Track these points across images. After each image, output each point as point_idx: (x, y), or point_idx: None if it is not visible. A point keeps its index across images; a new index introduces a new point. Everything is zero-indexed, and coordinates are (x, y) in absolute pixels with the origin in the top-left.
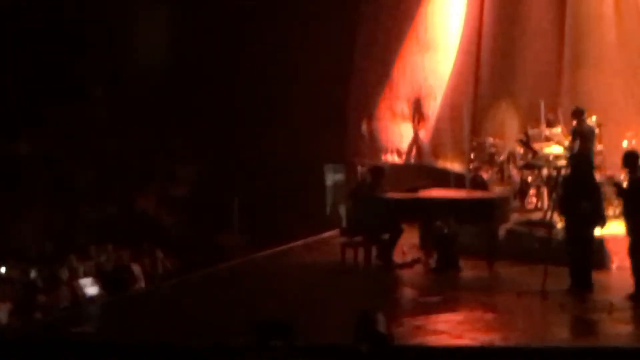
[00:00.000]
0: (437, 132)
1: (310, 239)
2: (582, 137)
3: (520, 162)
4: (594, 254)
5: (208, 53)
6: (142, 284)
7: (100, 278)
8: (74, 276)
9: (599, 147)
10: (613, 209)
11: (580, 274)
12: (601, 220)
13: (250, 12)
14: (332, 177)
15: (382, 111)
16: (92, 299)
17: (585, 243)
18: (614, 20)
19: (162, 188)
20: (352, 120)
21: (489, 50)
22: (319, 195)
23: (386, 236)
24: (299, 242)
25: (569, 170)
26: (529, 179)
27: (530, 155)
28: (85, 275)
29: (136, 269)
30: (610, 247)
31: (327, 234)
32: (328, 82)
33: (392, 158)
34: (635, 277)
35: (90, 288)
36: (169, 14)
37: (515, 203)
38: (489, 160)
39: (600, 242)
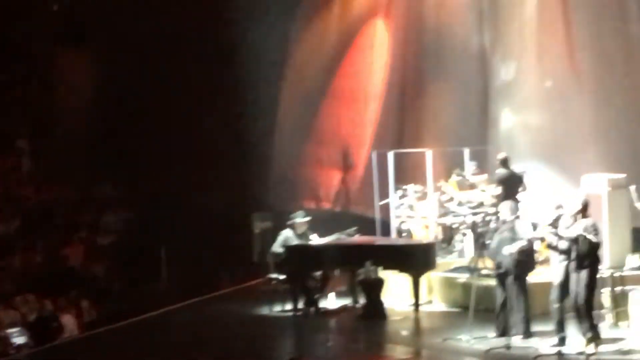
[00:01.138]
0: (363, 180)
1: (238, 287)
2: (508, 184)
3: (444, 209)
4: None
5: (133, 102)
6: (75, 334)
7: (26, 328)
8: (0, 327)
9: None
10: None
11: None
12: (531, 267)
13: (177, 60)
14: (260, 225)
15: (309, 159)
16: (19, 349)
17: (519, 289)
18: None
19: (88, 237)
20: (279, 168)
21: (413, 98)
22: (247, 243)
23: (313, 283)
24: (227, 290)
25: (497, 218)
26: (454, 225)
27: (454, 202)
28: (11, 325)
29: (67, 318)
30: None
31: (255, 282)
32: (256, 131)
33: (319, 205)
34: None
35: (18, 338)
36: (91, 64)
37: (441, 249)
38: (414, 207)
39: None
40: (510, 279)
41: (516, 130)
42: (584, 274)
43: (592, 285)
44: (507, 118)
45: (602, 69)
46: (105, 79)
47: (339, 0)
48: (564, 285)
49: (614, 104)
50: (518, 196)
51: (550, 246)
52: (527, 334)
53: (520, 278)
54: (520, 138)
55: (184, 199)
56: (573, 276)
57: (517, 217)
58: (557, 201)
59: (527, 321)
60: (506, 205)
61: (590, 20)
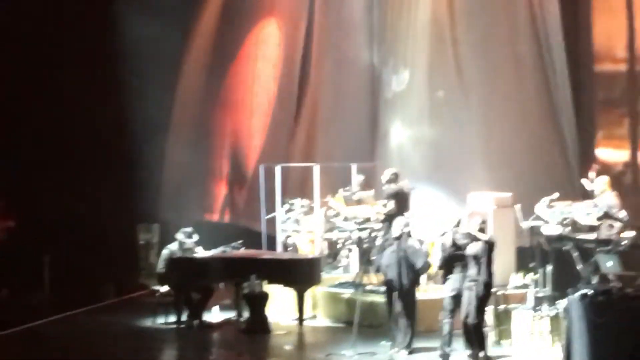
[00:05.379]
0: (250, 193)
1: (122, 298)
2: (398, 200)
3: (330, 224)
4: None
5: (9, 107)
6: None
7: None
8: None
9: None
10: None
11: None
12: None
13: (55, 63)
14: (145, 236)
15: (197, 170)
16: None
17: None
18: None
19: None
20: (166, 180)
21: (303, 110)
22: (132, 254)
23: (197, 296)
24: (111, 301)
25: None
26: (340, 240)
27: (340, 217)
28: None
29: None
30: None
31: (139, 293)
32: (143, 139)
33: (205, 216)
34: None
35: None
36: None
37: (327, 264)
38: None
39: None
40: (399, 294)
41: (406, 145)
42: (474, 294)
43: (483, 306)
44: (397, 132)
45: (490, 88)
46: None
47: (231, 6)
48: (456, 300)
49: (500, 123)
50: (405, 213)
51: (445, 260)
52: (409, 348)
53: (410, 293)
54: (410, 154)
55: (70, 208)
56: (465, 294)
57: (408, 234)
58: (456, 216)
59: (412, 336)
60: (397, 222)
61: (479, 40)
